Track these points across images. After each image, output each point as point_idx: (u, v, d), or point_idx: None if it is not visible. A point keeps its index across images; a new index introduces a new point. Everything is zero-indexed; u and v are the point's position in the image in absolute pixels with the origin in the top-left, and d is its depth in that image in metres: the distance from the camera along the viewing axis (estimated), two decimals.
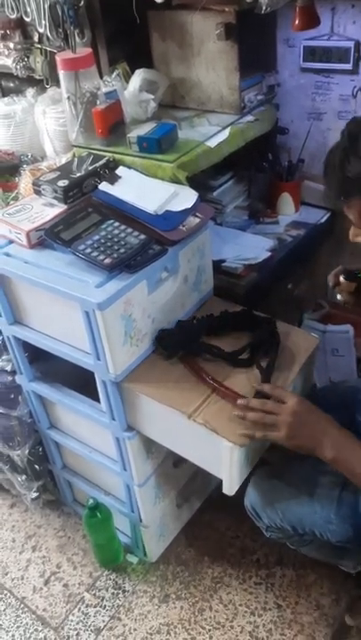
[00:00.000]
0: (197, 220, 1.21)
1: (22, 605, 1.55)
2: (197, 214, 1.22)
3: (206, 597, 1.51)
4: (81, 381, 1.33)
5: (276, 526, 1.17)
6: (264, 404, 1.04)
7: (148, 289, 1.15)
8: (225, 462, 1.09)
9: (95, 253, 1.10)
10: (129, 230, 1.15)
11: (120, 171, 1.29)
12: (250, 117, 1.46)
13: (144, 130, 1.32)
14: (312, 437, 1.01)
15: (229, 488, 1.14)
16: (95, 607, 1.52)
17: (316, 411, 1.04)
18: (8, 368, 1.43)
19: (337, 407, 1.15)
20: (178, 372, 1.19)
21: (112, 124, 1.35)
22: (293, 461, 1.20)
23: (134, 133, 1.31)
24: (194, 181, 1.29)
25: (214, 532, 1.65)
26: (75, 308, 1.09)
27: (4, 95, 1.82)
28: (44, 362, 1.42)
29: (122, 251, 1.10)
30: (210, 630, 1.44)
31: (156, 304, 1.19)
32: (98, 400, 1.28)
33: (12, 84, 1.82)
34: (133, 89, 1.43)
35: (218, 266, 1.40)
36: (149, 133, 1.30)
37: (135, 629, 1.46)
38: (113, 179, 1.26)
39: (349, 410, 1.25)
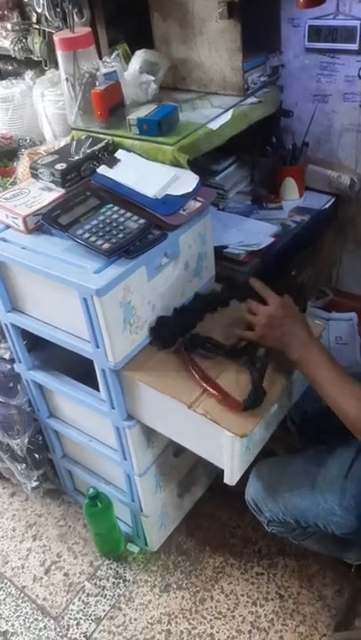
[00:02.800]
0: (198, 205, 1.18)
1: (22, 595, 1.54)
2: (198, 198, 1.19)
3: (208, 587, 1.50)
4: (81, 369, 1.31)
5: (278, 520, 1.16)
6: (248, 303, 1.10)
7: (148, 275, 1.12)
8: (226, 452, 1.07)
9: (93, 238, 1.07)
10: (128, 215, 1.12)
11: (119, 154, 1.26)
12: (253, 99, 1.42)
13: (144, 112, 1.29)
14: (280, 340, 1.07)
15: (231, 478, 1.12)
16: (96, 596, 1.51)
17: (294, 315, 1.09)
18: (6, 356, 1.41)
19: None
20: (178, 361, 1.17)
21: (111, 105, 1.31)
22: (295, 453, 1.18)
23: (134, 115, 1.28)
24: (196, 166, 1.26)
25: (216, 522, 1.64)
26: (73, 295, 1.07)
27: (2, 78, 1.78)
28: (42, 350, 1.40)
29: (121, 236, 1.07)
30: (211, 620, 1.43)
31: (156, 291, 1.16)
32: (98, 389, 1.25)
33: (10, 67, 1.78)
34: (133, 70, 1.39)
35: (220, 252, 1.37)
36: (150, 115, 1.26)
37: (136, 619, 1.45)
38: (112, 162, 1.23)
39: None
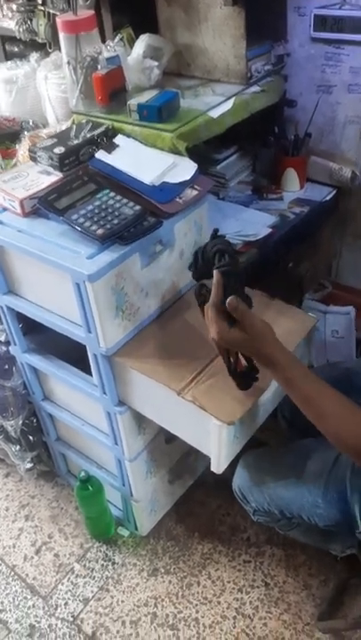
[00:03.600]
0: (195, 193, 1.18)
1: (12, 573, 1.56)
2: (195, 187, 1.19)
3: (195, 573, 1.52)
4: (76, 354, 1.31)
5: (264, 510, 1.17)
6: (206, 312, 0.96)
7: (142, 262, 1.12)
8: (213, 440, 1.07)
9: (88, 223, 1.07)
10: (124, 201, 1.12)
11: (118, 139, 1.26)
12: (256, 88, 1.41)
13: (145, 97, 1.28)
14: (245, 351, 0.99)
15: (218, 466, 1.13)
16: (84, 578, 1.54)
17: (238, 344, 0.95)
18: (2, 338, 1.42)
19: None
20: (171, 347, 1.17)
21: (112, 90, 1.31)
22: (282, 445, 1.18)
23: (135, 101, 1.27)
24: (197, 154, 1.26)
25: (206, 509, 1.65)
26: (66, 279, 1.07)
27: (7, 59, 1.77)
28: (38, 333, 1.41)
29: (115, 222, 1.07)
30: (197, 605, 1.45)
31: (149, 278, 1.16)
32: (91, 373, 1.26)
33: (16, 49, 1.77)
34: (137, 55, 1.38)
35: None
36: (150, 101, 1.26)
37: (123, 601, 1.48)
38: (110, 147, 1.23)
39: (345, 392, 1.22)
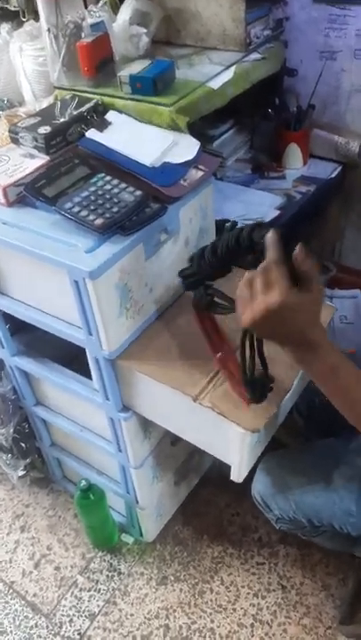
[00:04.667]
0: (200, 174, 1.06)
1: (11, 590, 1.46)
2: (200, 167, 1.07)
3: (206, 579, 1.43)
4: (70, 354, 1.20)
5: (289, 518, 1.07)
6: (249, 282, 0.78)
7: (146, 254, 1.00)
8: (235, 448, 0.98)
9: (84, 213, 0.94)
10: (122, 185, 0.99)
11: (110, 116, 1.13)
12: (256, 55, 1.28)
13: (137, 68, 1.15)
14: (277, 340, 0.81)
15: (238, 475, 1.03)
16: (89, 591, 1.44)
17: (295, 316, 0.76)
18: None
19: None
20: (181, 347, 1.06)
21: (100, 61, 1.17)
22: (305, 446, 1.09)
23: (126, 72, 1.14)
24: (190, 130, 1.13)
25: (213, 509, 1.56)
26: (62, 276, 0.95)
27: None
28: (28, 332, 1.28)
29: (115, 209, 0.95)
30: (211, 614, 1.37)
31: (154, 271, 1.04)
32: (89, 375, 1.15)
33: None
34: (123, 21, 1.24)
35: (220, 226, 1.25)
36: (143, 72, 1.13)
37: (132, 614, 1.38)
38: (102, 125, 1.10)
39: None
